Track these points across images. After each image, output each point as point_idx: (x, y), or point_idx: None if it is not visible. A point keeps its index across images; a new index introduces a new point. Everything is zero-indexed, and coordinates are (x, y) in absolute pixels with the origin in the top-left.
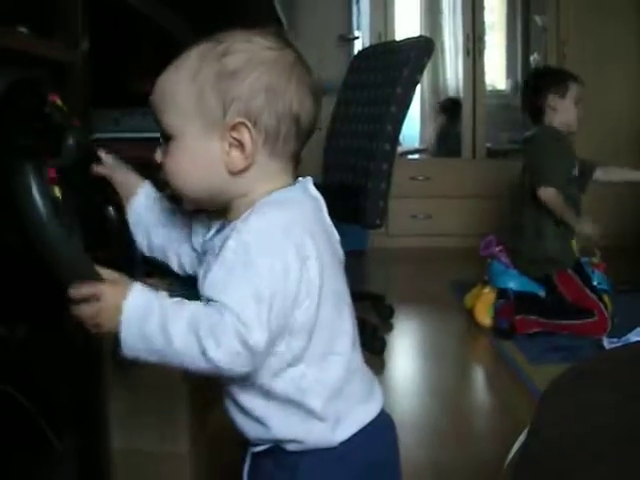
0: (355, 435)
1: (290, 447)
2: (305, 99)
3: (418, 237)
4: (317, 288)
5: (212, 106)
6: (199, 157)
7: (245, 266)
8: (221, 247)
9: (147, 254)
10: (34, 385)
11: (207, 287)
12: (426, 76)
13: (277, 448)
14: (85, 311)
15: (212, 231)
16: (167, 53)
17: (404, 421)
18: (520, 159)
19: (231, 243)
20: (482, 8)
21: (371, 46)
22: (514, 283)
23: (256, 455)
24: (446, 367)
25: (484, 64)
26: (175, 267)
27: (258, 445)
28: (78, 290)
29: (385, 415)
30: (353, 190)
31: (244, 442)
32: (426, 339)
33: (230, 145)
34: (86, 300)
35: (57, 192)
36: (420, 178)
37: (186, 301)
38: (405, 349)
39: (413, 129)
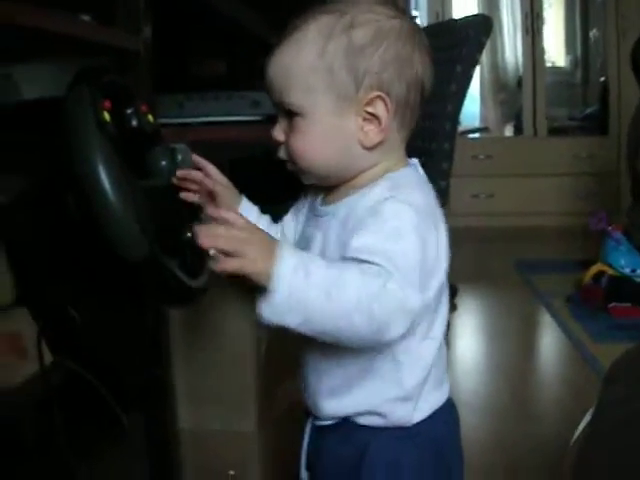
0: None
1: (364, 421)
2: (427, 65)
3: (480, 216)
4: (443, 272)
5: (344, 82)
6: (332, 134)
7: (397, 240)
8: (350, 215)
9: None
10: (102, 363)
11: (357, 249)
12: (485, 55)
13: (346, 423)
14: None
15: (320, 196)
16: (228, 37)
17: (468, 400)
18: (580, 136)
19: (384, 211)
20: None
21: (429, 25)
22: (625, 260)
23: (319, 429)
24: (510, 346)
25: (543, 41)
26: None
27: (324, 419)
28: (217, 211)
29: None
30: None
31: (305, 420)
32: (490, 318)
33: (364, 120)
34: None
35: (107, 117)
36: (481, 157)
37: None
38: (468, 329)
39: (473, 108)
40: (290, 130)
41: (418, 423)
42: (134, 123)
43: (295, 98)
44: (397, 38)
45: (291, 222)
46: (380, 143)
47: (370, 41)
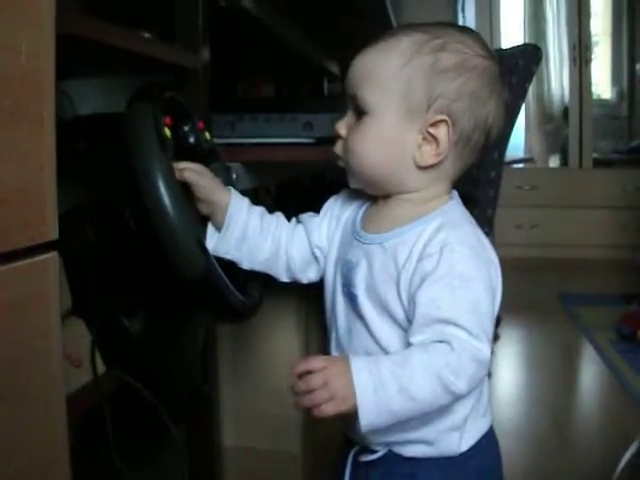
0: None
1: (410, 452)
2: (499, 115)
3: (523, 247)
4: (499, 301)
5: (417, 97)
6: (390, 141)
7: (465, 285)
8: (400, 250)
9: (246, 268)
10: (153, 375)
11: (425, 304)
12: (531, 85)
13: (391, 456)
14: (319, 393)
15: (360, 214)
16: (279, 60)
17: (509, 429)
18: (627, 168)
19: (446, 261)
20: (588, 16)
21: None
22: None
23: (362, 465)
24: (551, 377)
25: (591, 73)
26: (281, 274)
27: (366, 454)
28: (299, 366)
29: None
30: (461, 198)
31: (345, 450)
32: (532, 349)
33: (424, 139)
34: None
35: (168, 133)
36: (526, 187)
37: (403, 351)
38: (511, 358)
39: (518, 138)
40: (354, 127)
41: (464, 452)
42: (192, 140)
43: (369, 95)
44: (479, 76)
45: (324, 225)
46: (432, 167)
47: (453, 68)
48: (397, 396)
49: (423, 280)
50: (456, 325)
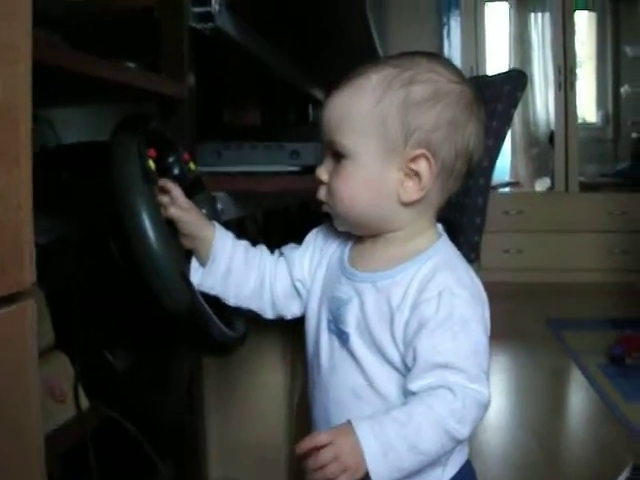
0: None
1: None
2: (480, 139)
3: (510, 272)
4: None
5: (394, 133)
6: (373, 182)
7: (465, 329)
8: (394, 292)
9: (232, 304)
10: (137, 409)
11: (428, 353)
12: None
13: None
14: (331, 467)
15: (346, 251)
16: (264, 88)
17: (496, 456)
18: (613, 192)
19: (443, 306)
20: (573, 40)
21: None
22: None
23: None
24: (539, 403)
25: (576, 97)
26: (266, 309)
27: None
28: (307, 443)
29: None
30: (447, 225)
31: None
32: (520, 374)
33: (405, 175)
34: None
35: (152, 165)
36: (512, 212)
37: (403, 407)
38: (499, 384)
39: (504, 163)
40: (335, 172)
41: None
42: (176, 172)
43: (346, 139)
44: (455, 103)
45: (306, 258)
46: (418, 201)
47: (426, 99)
48: (407, 454)
49: (422, 325)
50: (457, 370)
